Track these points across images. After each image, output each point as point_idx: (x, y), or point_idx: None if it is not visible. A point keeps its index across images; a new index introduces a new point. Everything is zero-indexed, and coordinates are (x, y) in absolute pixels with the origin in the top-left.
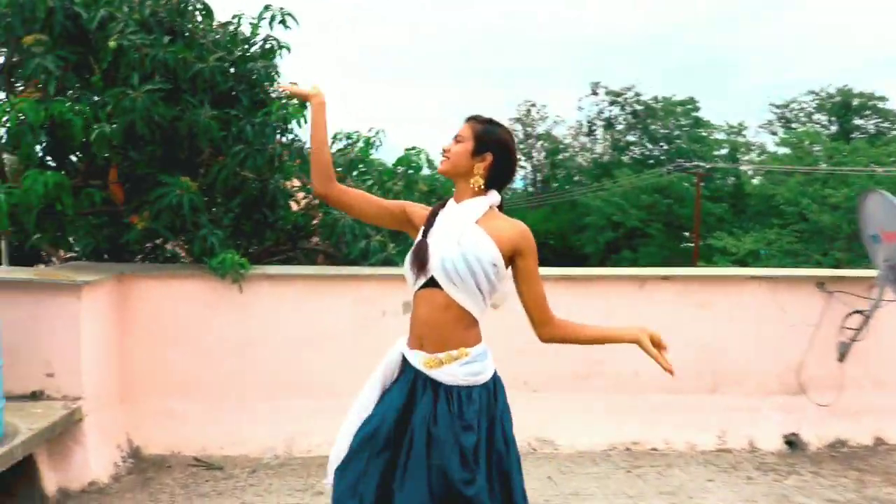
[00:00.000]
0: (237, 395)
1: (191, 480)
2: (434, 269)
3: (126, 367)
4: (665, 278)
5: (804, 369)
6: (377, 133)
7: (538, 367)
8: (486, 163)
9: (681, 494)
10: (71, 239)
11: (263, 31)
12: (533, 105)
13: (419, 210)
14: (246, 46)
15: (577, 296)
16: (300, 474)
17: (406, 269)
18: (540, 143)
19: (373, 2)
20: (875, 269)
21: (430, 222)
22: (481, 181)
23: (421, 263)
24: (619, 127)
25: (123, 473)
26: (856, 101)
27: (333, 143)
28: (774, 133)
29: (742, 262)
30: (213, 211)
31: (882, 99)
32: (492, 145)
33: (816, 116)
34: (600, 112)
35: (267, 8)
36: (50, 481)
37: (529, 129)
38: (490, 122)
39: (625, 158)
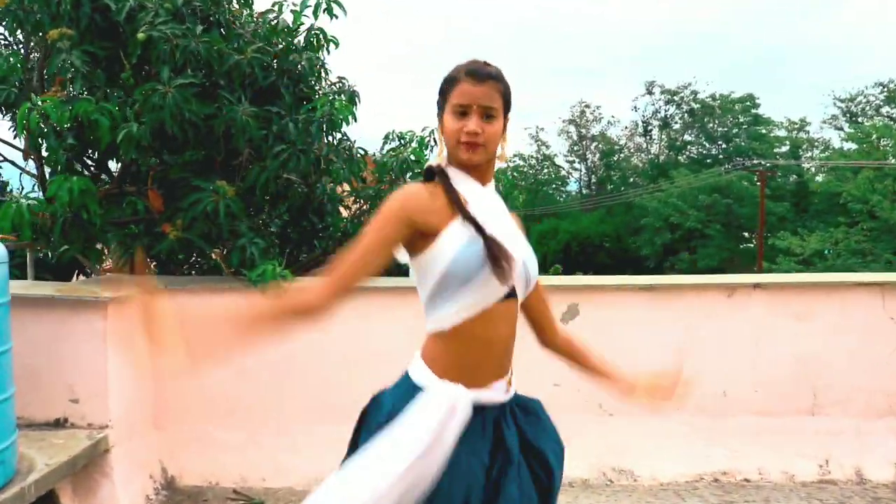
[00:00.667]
0: (280, 420)
1: None
2: (518, 275)
3: (158, 390)
4: (757, 286)
5: None
6: (431, 133)
7: None
8: (507, 128)
9: None
10: (106, 250)
11: (308, 21)
12: (587, 106)
13: (421, 201)
14: (289, 38)
15: (659, 308)
16: None
17: (478, 277)
18: (595, 144)
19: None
20: None
21: (463, 212)
22: (506, 154)
23: (504, 269)
24: (676, 126)
25: None
26: None
27: (384, 143)
28: (840, 128)
29: (807, 262)
30: (253, 218)
31: None
32: (510, 104)
33: (885, 109)
34: (656, 112)
35: None
36: None
37: (583, 130)
38: (499, 71)
39: (682, 158)
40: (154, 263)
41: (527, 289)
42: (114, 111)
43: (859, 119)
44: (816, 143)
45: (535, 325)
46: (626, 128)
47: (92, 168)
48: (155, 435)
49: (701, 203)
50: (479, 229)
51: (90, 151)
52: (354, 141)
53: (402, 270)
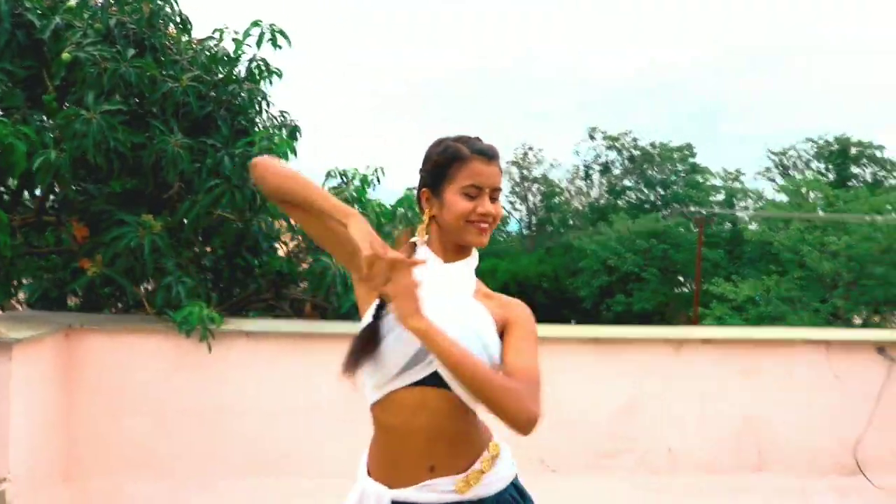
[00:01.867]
0: (205, 473)
1: None
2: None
3: (70, 439)
4: (705, 342)
5: (862, 446)
6: (375, 171)
7: (557, 443)
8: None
9: None
10: (14, 283)
11: (251, 51)
12: (530, 149)
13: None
14: (229, 67)
15: (605, 361)
16: None
17: (389, 353)
18: (536, 186)
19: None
20: None
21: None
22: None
23: (352, 360)
24: (616, 171)
25: None
26: (853, 150)
27: (326, 179)
28: (772, 180)
29: (740, 308)
30: (182, 255)
31: (880, 148)
32: None
33: (814, 164)
34: (597, 156)
35: (256, 24)
36: None
37: (525, 172)
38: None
39: (620, 203)
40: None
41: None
42: (32, 135)
43: (791, 172)
44: (750, 194)
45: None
46: (567, 171)
47: (4, 196)
48: (63, 488)
49: (638, 247)
50: (376, 315)
51: (2, 177)
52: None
53: (339, 314)
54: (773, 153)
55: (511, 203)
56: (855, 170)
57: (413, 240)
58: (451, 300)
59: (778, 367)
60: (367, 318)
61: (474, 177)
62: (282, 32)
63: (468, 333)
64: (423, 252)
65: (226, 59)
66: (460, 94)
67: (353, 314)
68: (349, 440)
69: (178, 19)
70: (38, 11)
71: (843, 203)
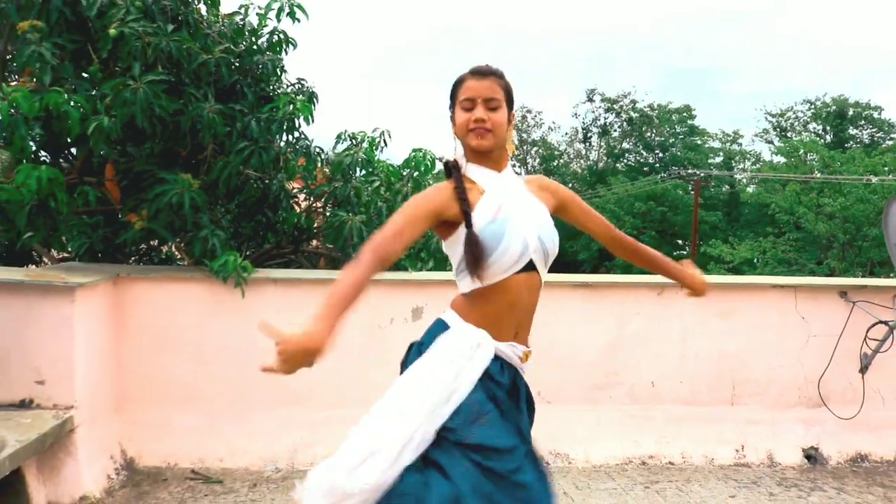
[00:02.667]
0: (237, 405)
1: (188, 495)
2: (534, 250)
3: (120, 374)
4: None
5: (825, 381)
6: (382, 134)
7: (552, 378)
8: (513, 121)
9: None
10: (64, 239)
11: (271, 23)
12: (529, 111)
13: (443, 196)
14: (252, 39)
15: (593, 303)
16: None
17: (504, 252)
18: (535, 149)
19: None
20: None
21: (465, 199)
22: (514, 144)
23: (477, 264)
24: (615, 134)
25: (117, 487)
26: (851, 111)
27: (337, 143)
28: (770, 142)
29: (737, 271)
30: (214, 211)
31: (877, 109)
32: (512, 99)
33: (812, 126)
34: (595, 119)
35: None
36: (39, 495)
37: (525, 135)
38: (500, 70)
39: (619, 165)
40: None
41: (545, 261)
42: (83, 103)
43: (788, 134)
44: (748, 156)
45: (605, 242)
46: (566, 134)
47: (59, 159)
48: (116, 418)
49: (637, 210)
50: (468, 224)
51: (53, 143)
52: (312, 140)
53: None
54: (770, 115)
55: (511, 166)
56: (853, 131)
57: (447, 160)
58: (518, 197)
59: (751, 310)
60: (461, 239)
61: (467, 91)
62: (300, 6)
63: (545, 222)
64: (473, 169)
65: (249, 31)
66: (445, 54)
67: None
68: (363, 375)
69: None
70: None
71: (839, 165)
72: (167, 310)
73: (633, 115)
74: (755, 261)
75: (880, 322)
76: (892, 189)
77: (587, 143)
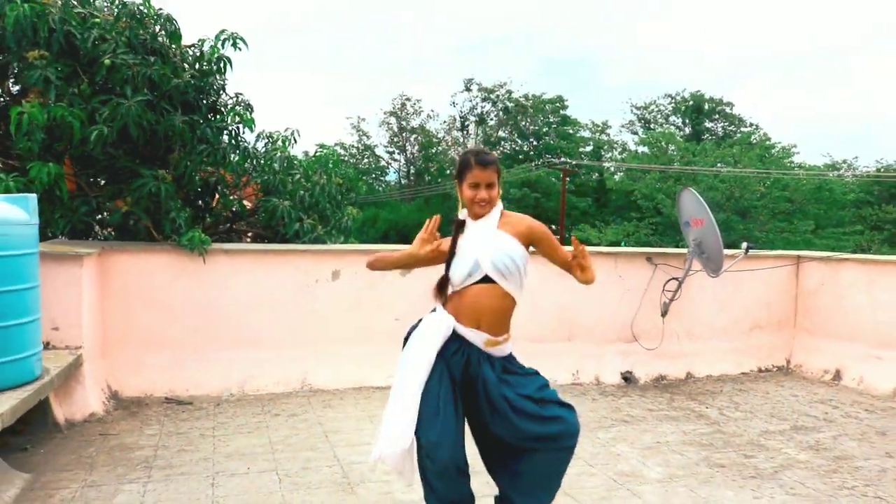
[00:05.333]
0: (199, 347)
1: (169, 412)
2: (487, 268)
3: (106, 325)
4: (533, 253)
5: (636, 323)
6: (293, 133)
7: None
8: (501, 186)
9: None
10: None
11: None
12: (408, 99)
13: (442, 241)
14: (207, 64)
15: None
16: (256, 406)
17: (458, 271)
18: (414, 136)
19: None
20: (687, 247)
21: (455, 239)
22: (501, 203)
23: (439, 289)
24: (491, 123)
25: (112, 409)
26: (706, 106)
27: (257, 141)
28: (635, 133)
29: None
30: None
31: (729, 105)
32: (500, 174)
33: (672, 118)
34: (473, 108)
35: (223, 32)
36: (59, 412)
37: (404, 122)
38: (494, 156)
39: (496, 153)
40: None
41: (501, 275)
42: (81, 115)
43: (651, 126)
44: (616, 145)
45: (562, 268)
46: (444, 122)
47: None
48: (101, 360)
49: (512, 196)
50: (447, 263)
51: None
52: (248, 142)
53: (285, 239)
54: (636, 107)
55: (389, 153)
56: (708, 124)
57: (460, 215)
58: (483, 236)
59: None
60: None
61: (474, 177)
62: (241, 38)
63: (499, 251)
64: (464, 216)
65: (205, 60)
66: (331, 35)
67: (293, 239)
68: (296, 322)
69: (170, 30)
70: (74, 22)
71: (692, 156)
72: (142, 274)
73: (509, 104)
74: (621, 243)
75: (673, 278)
76: (738, 178)
77: (465, 132)
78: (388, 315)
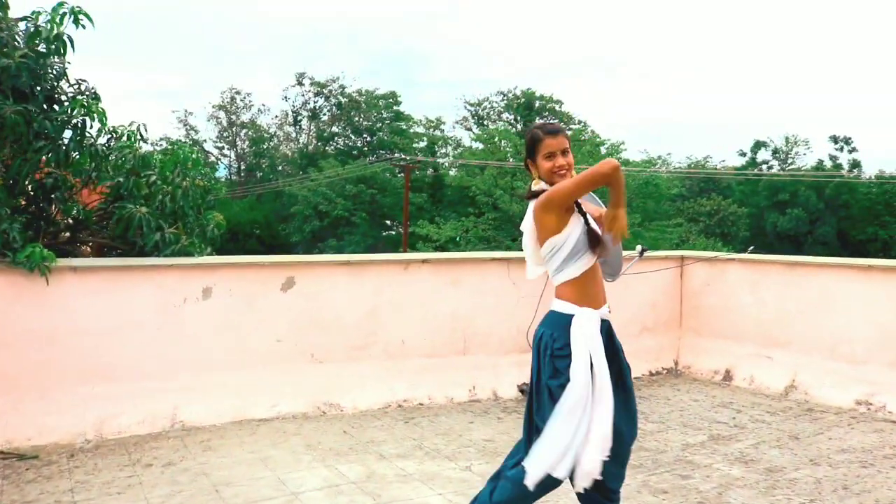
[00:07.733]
0: (42, 386)
1: (9, 471)
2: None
3: None
4: (424, 261)
5: (531, 331)
6: (139, 127)
7: (321, 341)
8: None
9: (452, 434)
10: None
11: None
12: (237, 93)
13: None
14: (43, 43)
15: (354, 277)
16: (120, 453)
17: (584, 249)
18: (245, 131)
19: None
20: None
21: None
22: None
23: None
24: (324, 118)
25: None
26: (537, 104)
27: (99, 136)
28: (470, 129)
29: (443, 248)
30: (10, 204)
31: (559, 102)
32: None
33: (505, 115)
34: (305, 103)
35: (62, 4)
36: None
37: (234, 117)
38: (560, 124)
39: (329, 149)
40: None
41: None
42: None
43: (485, 122)
44: (450, 141)
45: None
46: (276, 116)
47: None
48: None
49: (348, 192)
50: (587, 223)
51: None
52: (97, 139)
53: (143, 252)
54: (469, 104)
55: (219, 149)
56: (539, 121)
57: (535, 188)
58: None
59: (475, 278)
60: (579, 232)
61: (547, 147)
62: (85, 13)
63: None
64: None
65: (41, 37)
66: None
67: (152, 252)
68: (162, 349)
69: None
70: None
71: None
72: None
73: (342, 99)
74: (457, 239)
75: None
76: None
77: (297, 127)
78: (269, 336)
